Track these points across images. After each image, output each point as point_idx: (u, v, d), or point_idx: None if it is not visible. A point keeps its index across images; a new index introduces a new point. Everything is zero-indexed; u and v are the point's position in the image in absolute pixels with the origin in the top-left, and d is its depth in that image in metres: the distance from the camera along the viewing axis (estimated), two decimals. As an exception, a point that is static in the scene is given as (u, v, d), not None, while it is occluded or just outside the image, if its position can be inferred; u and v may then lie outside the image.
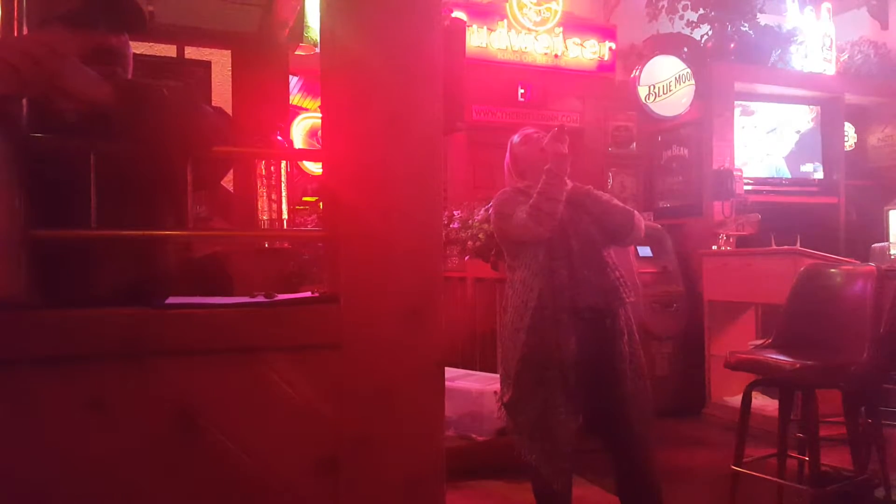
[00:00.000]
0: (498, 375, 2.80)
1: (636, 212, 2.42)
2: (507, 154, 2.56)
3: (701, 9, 5.34)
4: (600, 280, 2.29)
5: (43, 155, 1.17)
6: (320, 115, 1.26)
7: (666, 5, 5.34)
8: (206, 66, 2.98)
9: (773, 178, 5.60)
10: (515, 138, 2.55)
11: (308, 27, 3.39)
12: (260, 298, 1.13)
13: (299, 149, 4.53)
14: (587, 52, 5.46)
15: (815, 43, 5.61)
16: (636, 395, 2.29)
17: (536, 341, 2.23)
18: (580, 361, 2.24)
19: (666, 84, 5.14)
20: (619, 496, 2.36)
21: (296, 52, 3.57)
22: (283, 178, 1.84)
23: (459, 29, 2.94)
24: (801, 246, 4.16)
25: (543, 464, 2.23)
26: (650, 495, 2.32)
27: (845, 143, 5.84)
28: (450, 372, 3.58)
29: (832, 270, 2.86)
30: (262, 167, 1.83)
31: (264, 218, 1.82)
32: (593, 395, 2.27)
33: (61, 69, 1.07)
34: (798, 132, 5.69)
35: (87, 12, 1.32)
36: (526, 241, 2.32)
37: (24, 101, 1.10)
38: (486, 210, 3.70)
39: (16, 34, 1.14)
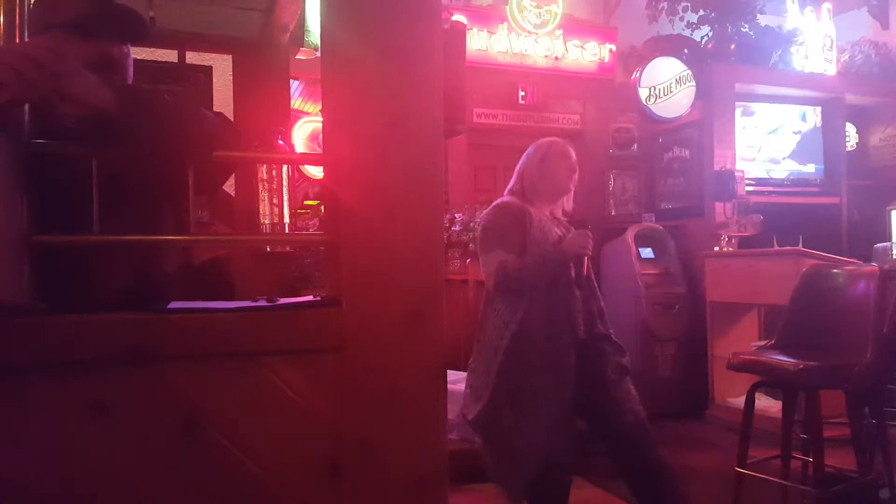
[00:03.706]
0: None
1: None
2: (539, 152, 2.46)
3: (701, 10, 5.33)
4: (590, 307, 2.35)
5: (45, 160, 1.17)
6: (321, 119, 1.26)
7: (666, 7, 5.34)
8: (208, 70, 3.00)
9: (774, 178, 5.60)
10: (556, 145, 2.48)
11: (309, 31, 3.40)
12: (262, 302, 1.13)
13: (300, 153, 4.53)
14: (587, 54, 5.47)
15: (816, 43, 5.61)
16: (626, 399, 2.29)
17: (516, 361, 2.24)
18: (572, 376, 2.25)
19: (666, 86, 5.14)
20: (639, 498, 2.29)
21: (297, 57, 3.58)
22: (285, 182, 1.84)
23: (460, 32, 2.95)
24: (803, 247, 4.15)
25: (504, 481, 2.29)
26: (669, 487, 2.25)
27: (846, 144, 5.84)
28: (451, 375, 3.57)
29: (834, 271, 2.85)
30: (264, 171, 1.83)
31: (266, 222, 1.83)
32: (586, 408, 2.29)
33: (63, 72, 1.08)
34: (799, 133, 5.69)
35: (89, 22, 1.33)
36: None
37: (27, 106, 1.10)
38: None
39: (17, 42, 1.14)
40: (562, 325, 2.25)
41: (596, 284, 2.43)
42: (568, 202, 2.51)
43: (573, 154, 2.49)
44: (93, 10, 1.35)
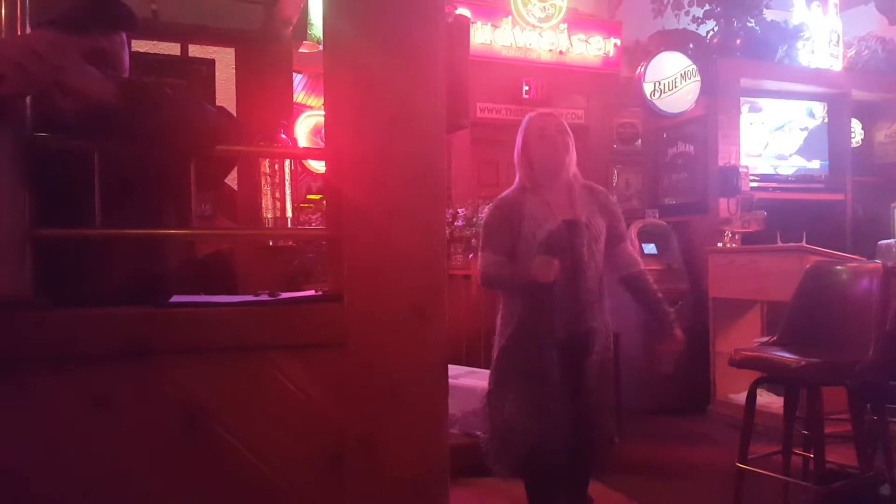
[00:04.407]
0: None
1: None
2: (520, 136, 2.41)
3: (707, 5, 5.32)
4: (576, 305, 2.31)
5: (47, 154, 1.17)
6: (324, 113, 1.26)
7: (671, 1, 5.32)
8: (210, 64, 2.99)
9: (780, 174, 5.58)
10: (531, 123, 2.40)
11: (311, 25, 3.40)
12: (264, 297, 1.13)
13: (303, 147, 4.53)
14: (592, 48, 5.45)
15: (822, 38, 5.58)
16: (601, 404, 2.40)
17: (514, 350, 2.35)
18: (556, 374, 2.30)
19: (671, 80, 5.12)
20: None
21: (299, 50, 3.58)
22: (287, 177, 1.84)
23: (463, 26, 2.93)
24: (806, 243, 4.14)
25: (493, 458, 2.38)
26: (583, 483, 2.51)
27: (852, 140, 5.81)
28: (454, 369, 3.58)
29: (838, 268, 2.84)
30: (267, 165, 1.83)
31: (268, 216, 1.83)
32: (567, 401, 2.33)
33: (64, 65, 1.08)
34: (804, 129, 5.67)
35: (76, 15, 1.32)
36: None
37: (28, 99, 1.10)
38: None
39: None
40: (543, 323, 2.31)
41: (588, 276, 2.33)
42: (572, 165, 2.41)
43: (552, 121, 2.39)
44: (84, 3, 1.35)
